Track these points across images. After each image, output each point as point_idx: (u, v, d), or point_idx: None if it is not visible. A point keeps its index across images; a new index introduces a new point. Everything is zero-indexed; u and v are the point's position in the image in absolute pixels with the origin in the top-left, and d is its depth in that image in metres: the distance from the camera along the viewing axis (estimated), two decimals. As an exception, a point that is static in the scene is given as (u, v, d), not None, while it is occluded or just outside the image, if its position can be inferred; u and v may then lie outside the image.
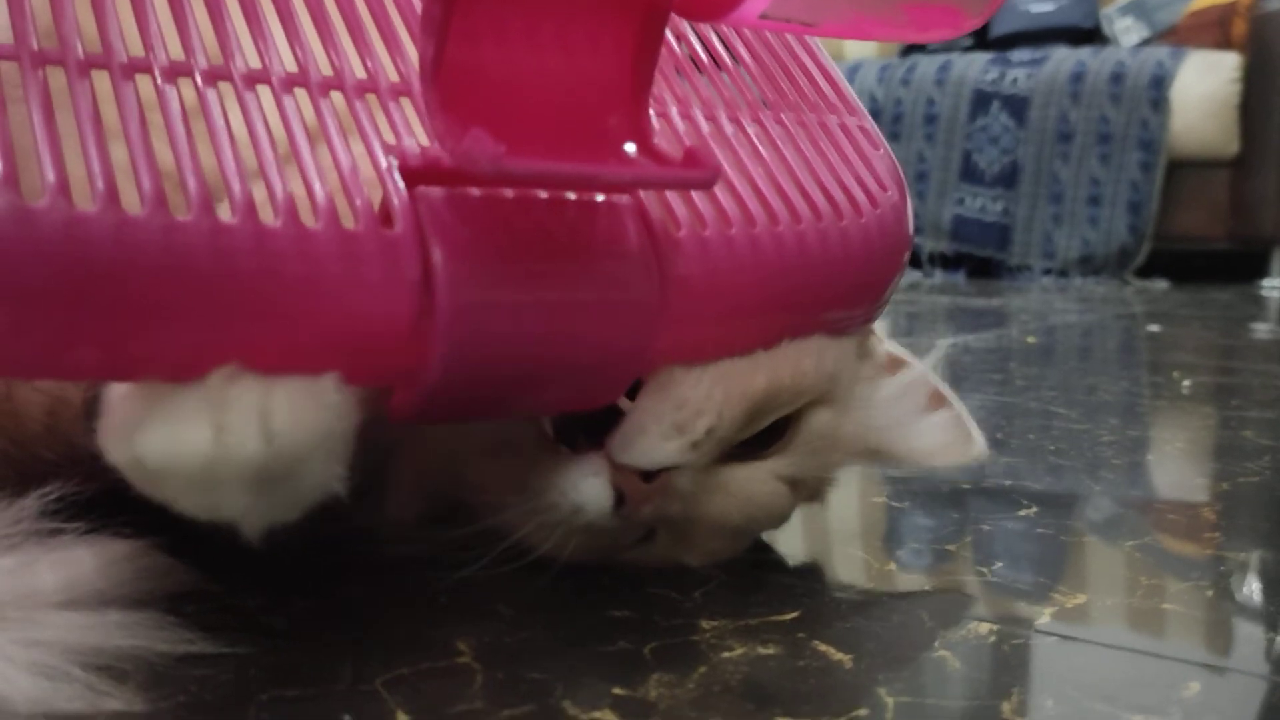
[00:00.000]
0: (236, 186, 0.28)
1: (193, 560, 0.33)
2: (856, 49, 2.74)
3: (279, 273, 0.28)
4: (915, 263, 2.48)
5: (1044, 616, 0.35)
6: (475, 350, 0.30)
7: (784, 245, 0.37)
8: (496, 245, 0.30)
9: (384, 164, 0.30)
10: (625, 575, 0.38)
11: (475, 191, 0.30)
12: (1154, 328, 1.38)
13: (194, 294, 0.27)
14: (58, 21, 0.29)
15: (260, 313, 0.28)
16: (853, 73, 2.51)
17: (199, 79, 0.30)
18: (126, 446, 0.27)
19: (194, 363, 0.27)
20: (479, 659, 0.31)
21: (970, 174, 2.41)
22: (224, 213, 0.27)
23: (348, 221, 0.29)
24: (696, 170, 0.31)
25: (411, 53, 0.34)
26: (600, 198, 0.33)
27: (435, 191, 0.30)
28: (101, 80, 0.28)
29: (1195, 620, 0.36)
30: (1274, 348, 1.15)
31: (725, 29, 0.42)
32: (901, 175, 0.41)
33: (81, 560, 0.31)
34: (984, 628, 0.34)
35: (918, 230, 2.44)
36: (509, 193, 0.31)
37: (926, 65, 2.47)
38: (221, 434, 0.27)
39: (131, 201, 0.26)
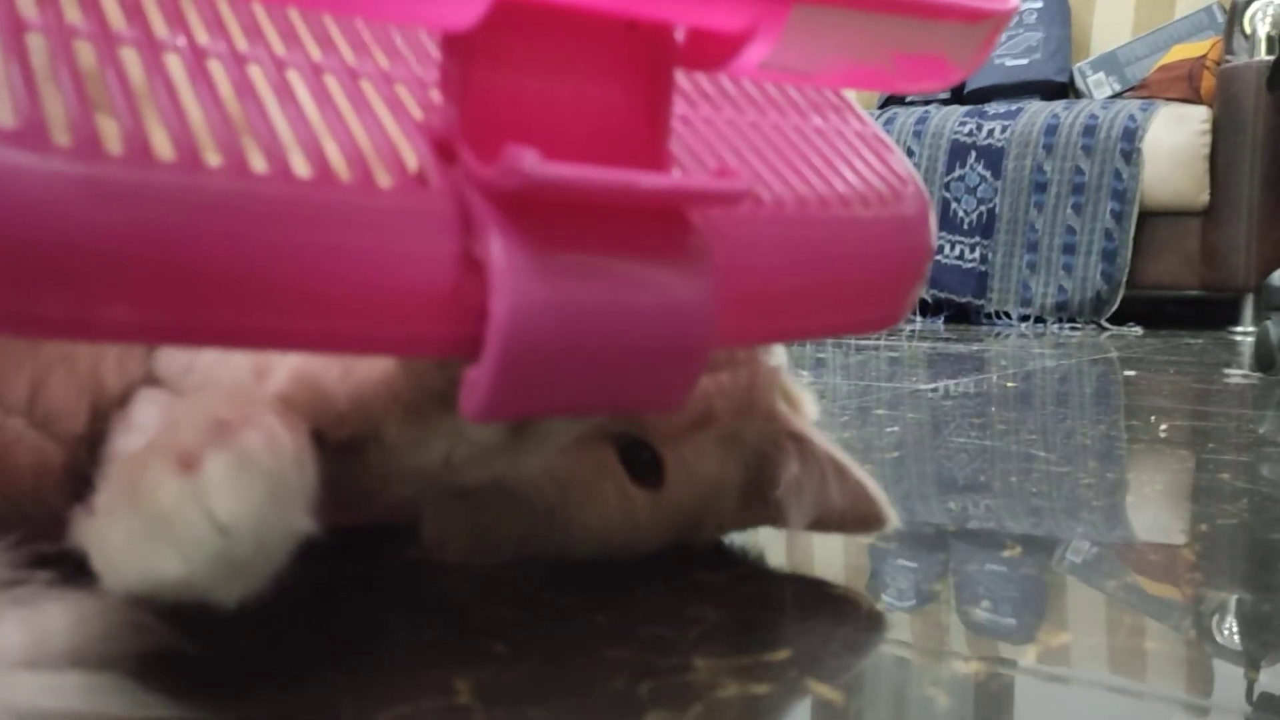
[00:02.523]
0: (275, 149, 0.28)
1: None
2: (835, 100, 2.77)
3: (316, 231, 0.27)
4: (894, 310, 2.50)
5: (1029, 656, 0.36)
6: (532, 333, 0.29)
7: (828, 225, 0.37)
8: (554, 224, 0.30)
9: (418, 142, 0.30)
10: (621, 614, 0.38)
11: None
12: (1130, 373, 1.40)
13: (231, 252, 0.26)
14: None
15: (297, 273, 0.27)
16: (831, 123, 2.55)
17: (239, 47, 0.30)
18: (115, 584, 0.30)
19: (234, 326, 0.27)
20: (478, 698, 0.31)
21: (949, 223, 2.44)
22: (258, 164, 0.27)
23: (383, 180, 0.28)
24: (728, 181, 0.32)
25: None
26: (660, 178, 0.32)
27: (487, 170, 0.29)
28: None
29: (1177, 660, 0.37)
30: (1248, 392, 1.16)
31: None
32: (912, 168, 0.42)
33: (49, 617, 0.30)
34: (971, 667, 0.35)
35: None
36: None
37: (905, 117, 2.51)
38: (182, 551, 0.29)
39: (167, 158, 0.26)
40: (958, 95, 2.68)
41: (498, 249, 0.28)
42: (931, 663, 0.35)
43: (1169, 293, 2.34)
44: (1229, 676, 0.36)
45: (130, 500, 0.29)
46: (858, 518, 0.45)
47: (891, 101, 2.67)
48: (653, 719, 0.30)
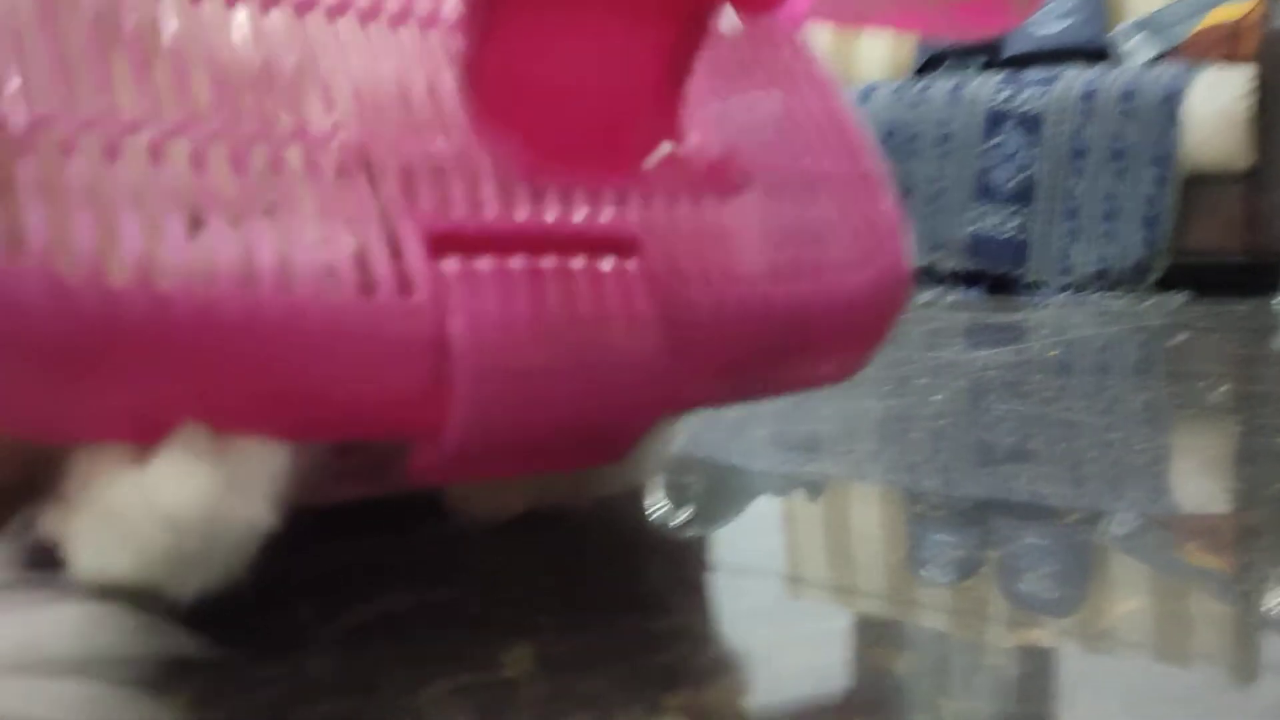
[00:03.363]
0: (266, 258, 0.29)
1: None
2: (869, 71, 2.75)
3: (305, 341, 0.29)
4: (933, 280, 2.47)
5: (1072, 628, 0.35)
6: (492, 415, 0.31)
7: (787, 302, 0.38)
8: (512, 311, 0.31)
9: (407, 234, 0.31)
10: (676, 584, 0.37)
11: (490, 262, 0.32)
12: (1175, 340, 1.37)
13: (225, 358, 0.28)
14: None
15: (281, 377, 0.29)
16: (866, 95, 2.52)
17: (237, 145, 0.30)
18: (75, 578, 0.29)
19: (225, 419, 0.29)
20: (525, 670, 0.31)
21: (986, 192, 2.41)
22: (256, 283, 0.29)
23: (371, 291, 0.30)
24: (720, 179, 0.32)
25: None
26: (608, 266, 0.33)
27: (452, 262, 0.31)
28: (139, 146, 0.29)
29: (1224, 630, 0.35)
30: (1299, 358, 1.14)
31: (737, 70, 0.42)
32: (902, 223, 0.42)
33: (48, 619, 0.29)
34: (1038, 635, 0.34)
35: (935, 247, 2.44)
36: (520, 262, 0.32)
37: (939, 86, 2.47)
38: (131, 546, 0.29)
39: (166, 276, 0.27)
40: (993, 61, 2.63)
41: (457, 326, 0.30)
42: (990, 634, 0.34)
43: (1212, 259, 2.30)
44: (1277, 646, 0.34)
45: (85, 493, 0.29)
46: None
47: (926, 69, 2.63)
48: (710, 689, 0.29)
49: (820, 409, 0.78)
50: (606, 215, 0.35)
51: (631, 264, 0.34)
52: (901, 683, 0.30)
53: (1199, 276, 2.32)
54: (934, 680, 0.31)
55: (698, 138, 0.39)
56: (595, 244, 0.34)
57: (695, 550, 0.43)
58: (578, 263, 0.33)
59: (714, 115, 0.41)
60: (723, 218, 0.38)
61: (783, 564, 0.41)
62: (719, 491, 0.55)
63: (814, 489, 0.55)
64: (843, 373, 0.42)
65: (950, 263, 2.43)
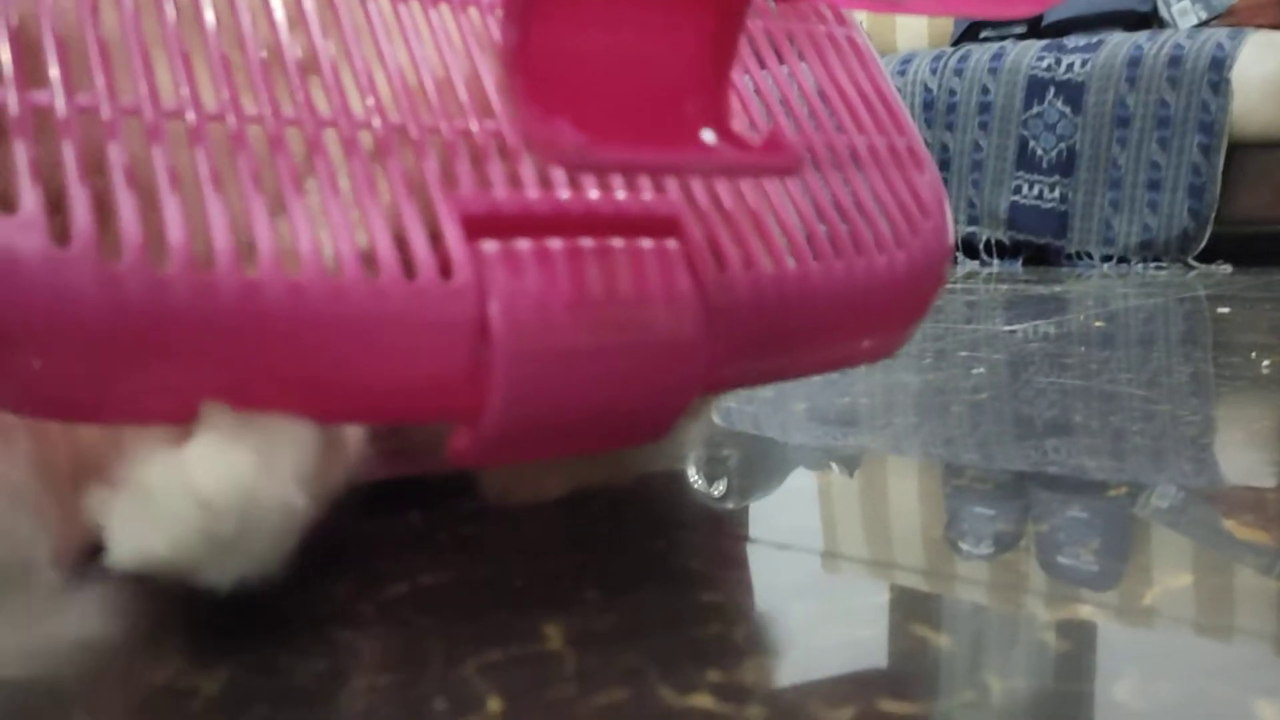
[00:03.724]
0: (305, 244, 0.29)
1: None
2: (908, 40, 2.71)
3: (345, 327, 0.29)
4: (972, 252, 2.44)
5: (1112, 602, 0.34)
6: (531, 397, 0.31)
7: (827, 280, 0.38)
8: (550, 294, 0.31)
9: (446, 216, 0.31)
10: (712, 560, 0.37)
11: (532, 241, 0.31)
12: (1223, 310, 1.35)
13: (266, 344, 0.29)
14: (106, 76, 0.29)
15: (328, 361, 0.29)
16: (905, 63, 2.48)
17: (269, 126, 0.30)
18: (113, 562, 0.29)
19: (266, 402, 0.30)
20: (569, 644, 0.31)
21: (1027, 161, 2.37)
22: (296, 269, 0.29)
23: (410, 275, 0.30)
24: (778, 157, 0.31)
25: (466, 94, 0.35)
26: (648, 244, 0.33)
27: (491, 244, 0.31)
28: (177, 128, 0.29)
29: (1268, 604, 0.35)
30: (1350, 329, 1.11)
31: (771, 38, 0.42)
32: (944, 195, 0.42)
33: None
34: (1082, 610, 0.33)
35: (974, 219, 2.41)
36: (559, 243, 0.32)
37: (980, 54, 2.43)
38: (166, 528, 0.28)
39: (209, 260, 0.28)
40: (1035, 29, 2.59)
41: (496, 309, 0.30)
42: (1038, 607, 0.34)
43: (1259, 228, 2.26)
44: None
45: (128, 475, 0.29)
46: None
47: (965, 37, 2.59)
48: (752, 664, 0.29)
49: (857, 384, 0.77)
50: (646, 195, 0.35)
51: (671, 243, 0.34)
52: (941, 658, 0.30)
53: (1245, 246, 2.28)
54: (973, 656, 0.30)
55: (746, 117, 0.39)
56: (635, 224, 0.34)
57: (733, 524, 0.43)
58: (617, 242, 0.33)
59: (751, 90, 0.41)
60: (762, 196, 0.37)
61: (820, 539, 0.41)
62: (756, 464, 0.55)
63: (851, 462, 0.55)
64: (883, 350, 0.42)
65: (990, 233, 2.40)
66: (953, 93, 2.42)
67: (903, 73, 2.45)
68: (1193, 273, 2.15)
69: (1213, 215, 2.22)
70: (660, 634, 0.31)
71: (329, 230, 0.30)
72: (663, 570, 0.36)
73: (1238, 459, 0.55)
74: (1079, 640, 0.31)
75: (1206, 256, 2.24)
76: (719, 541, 0.40)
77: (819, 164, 0.40)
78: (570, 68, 0.30)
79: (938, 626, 0.32)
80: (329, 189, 0.30)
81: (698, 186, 0.36)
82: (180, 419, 0.29)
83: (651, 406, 0.34)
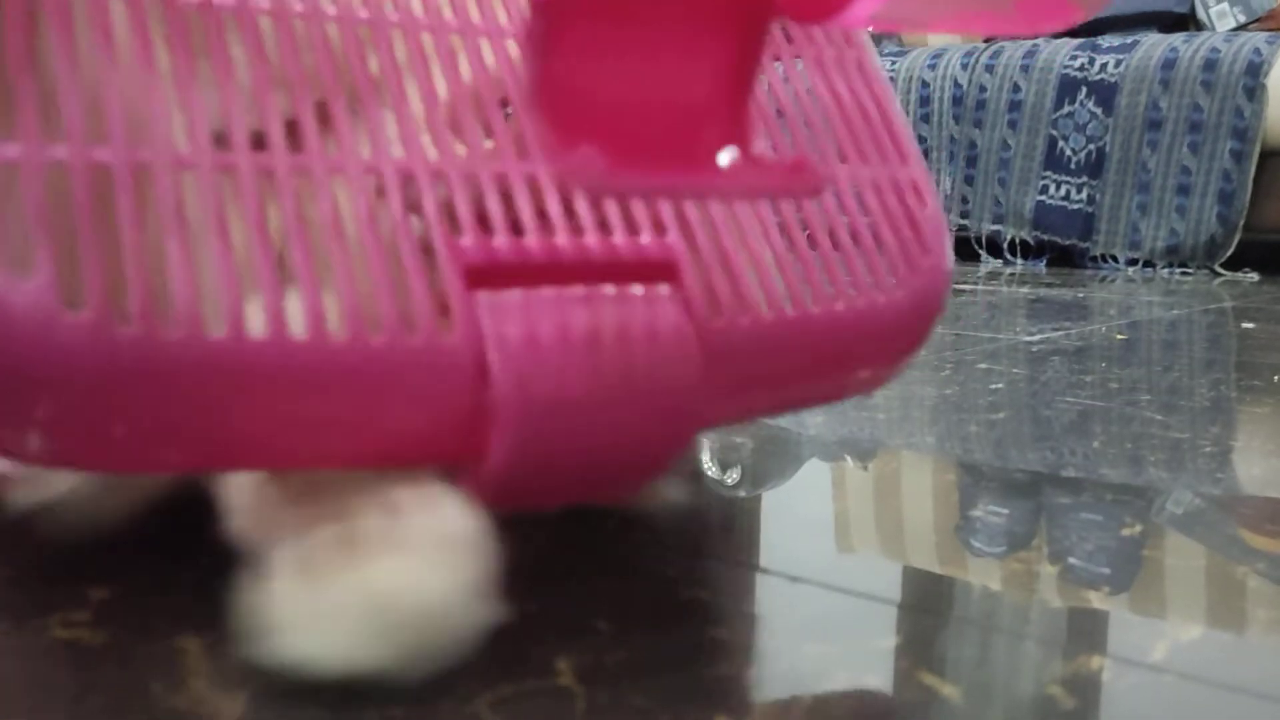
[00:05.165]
0: (309, 300, 0.29)
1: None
2: (939, 35, 2.69)
3: (345, 382, 0.30)
4: (995, 250, 2.43)
5: (1123, 606, 0.35)
6: (533, 444, 0.31)
7: (826, 323, 0.38)
8: (550, 343, 0.31)
9: (446, 265, 0.31)
10: (723, 591, 0.37)
11: (523, 292, 0.32)
12: (1248, 325, 1.34)
13: (265, 402, 0.29)
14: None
15: (326, 417, 0.30)
16: (936, 58, 2.47)
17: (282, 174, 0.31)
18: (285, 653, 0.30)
19: (268, 458, 0.31)
20: (580, 679, 0.31)
21: (1055, 161, 2.36)
22: (295, 327, 0.29)
23: (409, 330, 0.30)
24: (801, 180, 0.31)
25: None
26: (646, 290, 0.34)
27: (490, 294, 0.31)
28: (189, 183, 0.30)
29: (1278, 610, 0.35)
30: (1376, 351, 1.10)
31: (776, 74, 0.42)
32: (945, 229, 0.42)
33: None
34: (1064, 617, 0.33)
35: (999, 218, 2.40)
36: (553, 291, 0.32)
37: (1012, 51, 2.41)
38: (353, 643, 0.29)
39: (211, 322, 0.28)
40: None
41: (495, 358, 0.31)
42: (1022, 610, 0.34)
43: (1287, 237, 2.24)
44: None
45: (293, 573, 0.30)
46: None
47: (991, 36, 2.57)
48: (761, 709, 0.29)
49: (874, 393, 0.77)
50: (645, 238, 0.35)
51: (671, 289, 0.34)
52: (948, 710, 0.30)
53: (1273, 254, 2.26)
54: (1018, 704, 0.30)
55: (767, 142, 0.39)
56: (634, 270, 0.34)
57: (744, 552, 0.43)
58: (617, 289, 0.33)
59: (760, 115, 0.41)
60: (763, 238, 0.38)
61: (832, 571, 0.41)
62: (769, 458, 0.55)
63: (865, 456, 0.55)
64: (877, 382, 0.42)
65: (1015, 232, 2.39)
66: (983, 89, 2.40)
67: (933, 67, 2.43)
68: (1218, 280, 2.13)
69: (1241, 222, 2.20)
70: (670, 673, 0.32)
71: (333, 287, 0.30)
72: (673, 602, 0.37)
73: (1254, 469, 0.55)
74: (1085, 697, 0.31)
75: (1233, 264, 2.23)
76: (730, 571, 0.40)
77: (824, 196, 0.40)
78: (592, 94, 0.30)
79: (944, 675, 0.32)
80: (334, 239, 0.30)
81: (700, 228, 0.37)
82: (194, 468, 0.30)
83: (652, 450, 0.34)
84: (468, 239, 0.32)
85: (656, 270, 0.34)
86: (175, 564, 0.39)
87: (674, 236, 0.35)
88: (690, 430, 0.35)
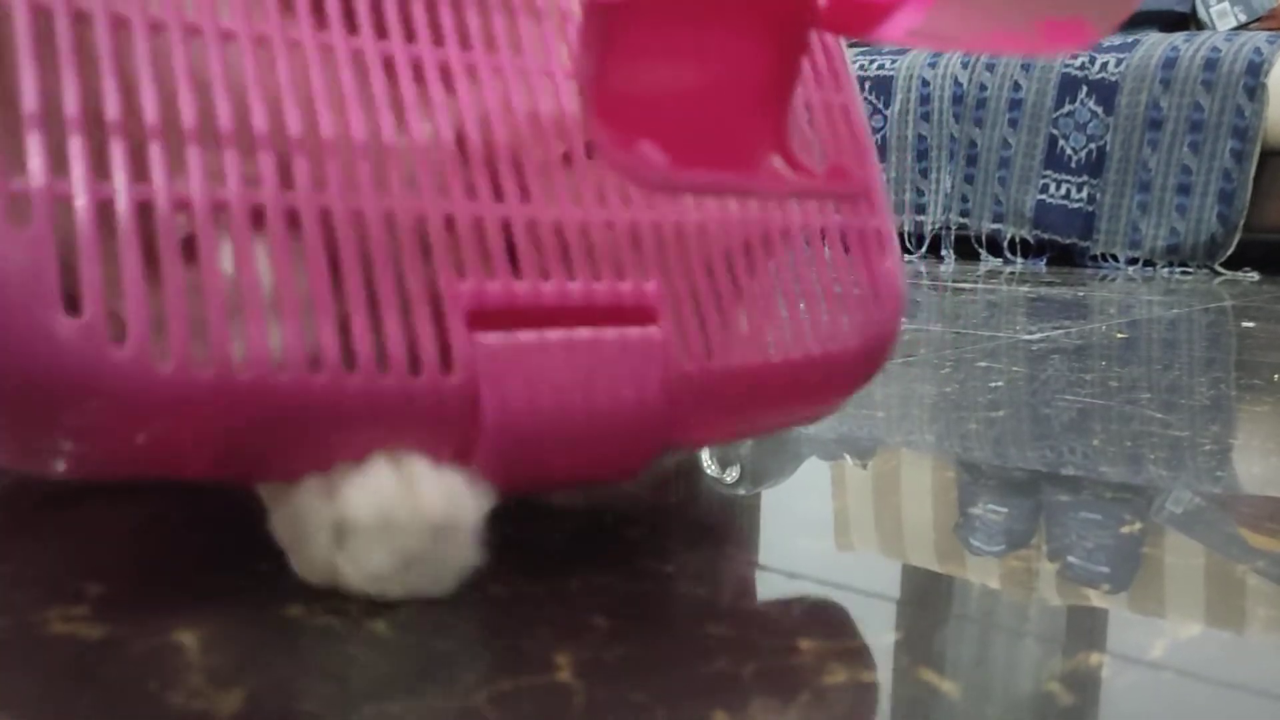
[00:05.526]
0: (328, 339, 0.32)
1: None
2: (939, 30, 2.68)
3: (356, 416, 0.32)
4: (995, 249, 2.43)
5: (1122, 605, 0.35)
6: (515, 471, 0.35)
7: (783, 370, 0.41)
8: (538, 384, 0.35)
9: (451, 310, 0.34)
10: (721, 588, 0.37)
11: (521, 336, 0.35)
12: (1248, 324, 1.34)
13: (285, 433, 0.32)
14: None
15: (337, 442, 0.33)
16: (936, 57, 2.47)
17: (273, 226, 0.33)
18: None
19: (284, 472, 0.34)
20: (579, 676, 0.31)
21: (1055, 160, 2.36)
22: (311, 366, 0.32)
23: (414, 370, 0.33)
24: (841, 183, 0.33)
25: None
26: (628, 335, 0.37)
27: (488, 336, 0.34)
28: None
29: (1278, 609, 0.35)
30: (1375, 350, 1.10)
31: None
32: (901, 280, 0.45)
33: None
34: (1063, 616, 0.33)
35: (999, 217, 2.40)
36: (549, 334, 0.35)
37: (1012, 48, 2.41)
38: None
39: (235, 359, 0.31)
40: (1070, 26, 2.56)
41: (488, 398, 0.34)
42: (1021, 608, 0.34)
43: (1287, 237, 2.24)
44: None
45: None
46: None
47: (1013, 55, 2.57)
48: (760, 706, 0.29)
49: (875, 392, 0.77)
50: (628, 286, 0.38)
51: (650, 331, 0.37)
52: (947, 706, 0.30)
53: (1273, 254, 2.26)
54: (1018, 702, 0.30)
55: (801, 147, 0.40)
56: (617, 314, 0.37)
57: (741, 548, 0.43)
58: (601, 333, 0.36)
59: None
60: (737, 285, 0.40)
61: (829, 568, 0.41)
62: (768, 456, 0.55)
63: (864, 454, 0.55)
64: (826, 414, 0.47)
65: (1015, 231, 2.39)
66: (983, 88, 2.40)
67: (934, 66, 2.43)
68: (1218, 279, 2.13)
69: (1242, 222, 2.20)
70: (668, 669, 0.32)
71: (354, 328, 0.32)
72: (672, 598, 0.37)
73: (1255, 469, 0.55)
74: (1085, 694, 0.31)
75: (1233, 263, 2.23)
76: (729, 568, 0.40)
77: (794, 247, 0.42)
78: (643, 95, 0.31)
79: (943, 672, 0.32)
80: (348, 284, 0.32)
81: (679, 276, 0.39)
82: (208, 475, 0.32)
83: (622, 467, 0.39)
84: (470, 279, 0.34)
85: (638, 314, 0.37)
86: (173, 559, 0.39)
87: (654, 284, 0.38)
88: (659, 449, 0.38)
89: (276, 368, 0.31)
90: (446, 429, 0.34)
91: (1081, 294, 1.72)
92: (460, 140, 0.35)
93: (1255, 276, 2.17)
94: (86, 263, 0.28)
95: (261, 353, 0.30)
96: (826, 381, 0.43)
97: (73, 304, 0.28)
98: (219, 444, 0.31)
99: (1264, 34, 2.24)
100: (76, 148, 0.28)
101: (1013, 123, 2.38)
